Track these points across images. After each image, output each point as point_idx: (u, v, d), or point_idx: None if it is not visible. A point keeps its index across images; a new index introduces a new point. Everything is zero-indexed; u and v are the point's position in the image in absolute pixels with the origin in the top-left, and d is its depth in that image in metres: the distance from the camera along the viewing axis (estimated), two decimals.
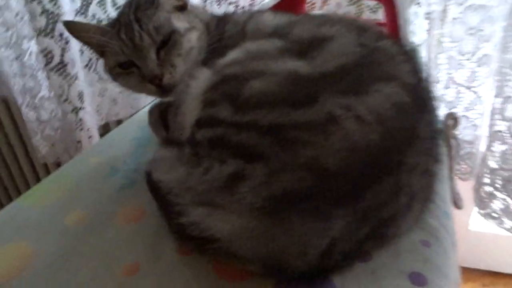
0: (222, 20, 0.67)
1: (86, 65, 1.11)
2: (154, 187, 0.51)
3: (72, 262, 0.48)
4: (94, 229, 0.53)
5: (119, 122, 1.33)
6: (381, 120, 0.39)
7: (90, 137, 1.12)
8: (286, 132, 0.39)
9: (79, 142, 1.11)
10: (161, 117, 0.66)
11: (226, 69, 0.50)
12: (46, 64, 1.01)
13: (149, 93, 0.63)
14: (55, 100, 1.08)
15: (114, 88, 1.21)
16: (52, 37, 0.97)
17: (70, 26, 0.63)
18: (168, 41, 0.59)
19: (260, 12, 0.68)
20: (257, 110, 0.41)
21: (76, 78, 1.04)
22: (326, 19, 0.57)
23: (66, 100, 1.06)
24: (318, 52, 0.47)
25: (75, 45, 1.03)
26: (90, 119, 1.12)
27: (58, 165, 1.24)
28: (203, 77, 0.53)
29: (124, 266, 0.47)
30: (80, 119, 1.08)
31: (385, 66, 0.45)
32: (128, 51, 0.59)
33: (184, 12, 0.64)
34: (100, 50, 0.64)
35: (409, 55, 0.50)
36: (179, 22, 0.61)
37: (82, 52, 1.08)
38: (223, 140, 0.43)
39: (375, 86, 0.41)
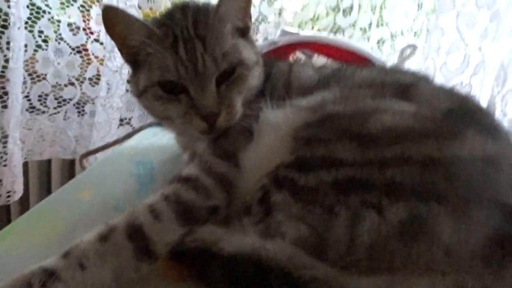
0: (267, 61, 0.59)
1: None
2: (232, 266, 0.35)
3: None
4: None
5: (40, 163, 1.08)
6: None
7: (13, 177, 0.86)
8: (454, 166, 0.36)
9: None
10: None
11: (325, 108, 0.45)
12: None
13: (191, 128, 0.50)
14: None
15: (43, 120, 1.00)
16: None
17: (110, 12, 0.48)
18: (231, 74, 0.49)
19: (298, 64, 0.62)
20: (396, 145, 0.37)
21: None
22: (383, 68, 0.58)
23: None
24: (413, 96, 0.46)
25: None
26: (17, 153, 0.87)
27: None
28: (282, 116, 0.46)
29: None
30: (6, 152, 0.83)
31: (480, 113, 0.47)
32: (185, 74, 0.47)
33: (247, 39, 0.54)
34: (134, 56, 0.50)
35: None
36: (246, 52, 0.51)
37: None
38: (359, 182, 0.35)
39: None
